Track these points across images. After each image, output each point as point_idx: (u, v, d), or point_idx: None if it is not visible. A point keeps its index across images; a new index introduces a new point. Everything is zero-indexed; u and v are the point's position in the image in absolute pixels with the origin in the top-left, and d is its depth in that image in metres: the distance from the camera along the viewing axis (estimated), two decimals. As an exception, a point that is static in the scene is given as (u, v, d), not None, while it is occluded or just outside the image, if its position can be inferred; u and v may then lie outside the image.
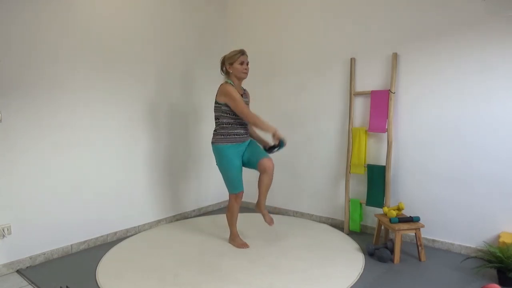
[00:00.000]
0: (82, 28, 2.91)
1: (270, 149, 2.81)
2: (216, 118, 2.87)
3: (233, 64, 2.81)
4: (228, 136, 2.82)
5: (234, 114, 2.79)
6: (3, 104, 2.51)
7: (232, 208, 2.93)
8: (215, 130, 2.90)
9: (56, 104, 2.78)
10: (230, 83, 2.81)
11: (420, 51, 2.89)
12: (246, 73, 2.85)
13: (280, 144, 2.69)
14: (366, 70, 3.20)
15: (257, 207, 2.95)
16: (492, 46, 2.58)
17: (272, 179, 2.85)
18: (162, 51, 3.53)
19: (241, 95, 2.84)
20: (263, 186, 2.84)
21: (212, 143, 2.89)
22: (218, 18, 4.11)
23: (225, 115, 2.81)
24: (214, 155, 2.90)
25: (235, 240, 2.97)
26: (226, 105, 2.78)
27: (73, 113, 2.88)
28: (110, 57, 3.10)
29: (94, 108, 3.02)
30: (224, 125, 2.82)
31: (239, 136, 2.86)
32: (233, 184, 2.88)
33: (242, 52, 2.82)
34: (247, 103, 2.92)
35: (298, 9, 3.60)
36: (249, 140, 2.99)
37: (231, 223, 2.98)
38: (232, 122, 2.82)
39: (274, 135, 2.65)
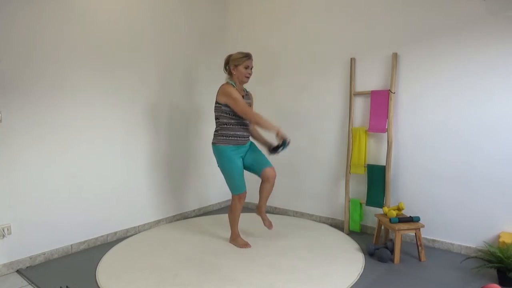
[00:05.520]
0: (82, 28, 2.90)
1: (274, 149, 2.75)
2: (216, 118, 2.86)
3: (237, 67, 2.80)
4: (230, 138, 2.80)
5: (235, 114, 2.78)
6: (3, 104, 2.51)
7: (234, 208, 2.93)
8: (216, 131, 2.87)
9: (56, 104, 2.78)
10: (232, 84, 2.81)
11: (420, 51, 2.89)
12: (249, 78, 2.86)
13: (284, 143, 2.63)
14: (366, 70, 3.20)
15: (258, 211, 3.04)
16: (492, 46, 2.58)
17: (273, 186, 2.92)
18: (163, 51, 3.52)
19: (242, 96, 2.83)
20: (264, 193, 2.92)
21: (213, 143, 2.87)
22: (218, 18, 4.11)
23: (225, 115, 2.80)
24: (215, 156, 2.88)
25: (237, 240, 2.96)
26: (226, 105, 2.76)
27: (73, 113, 2.88)
28: (110, 57, 3.10)
29: (94, 108, 3.01)
30: (225, 126, 2.81)
31: (241, 138, 2.84)
32: (236, 185, 2.87)
33: (249, 56, 2.82)
34: (249, 104, 2.92)
35: (298, 9, 3.60)
36: (250, 142, 2.98)
37: (233, 223, 2.98)
38: (233, 122, 2.80)
39: (277, 134, 2.62)
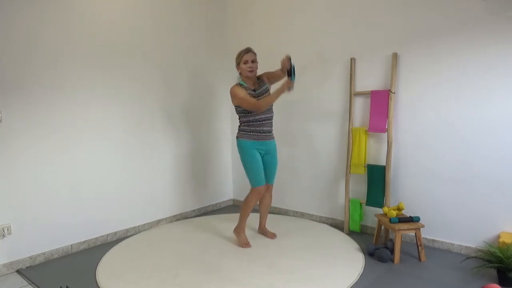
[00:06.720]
0: (83, 28, 2.90)
1: (289, 74, 2.79)
2: (239, 118, 2.97)
3: (239, 64, 2.89)
4: (251, 133, 2.90)
5: (251, 111, 2.85)
6: (3, 104, 2.51)
7: (250, 201, 2.96)
8: (239, 126, 2.98)
9: (56, 104, 2.78)
10: (241, 83, 2.88)
11: (420, 51, 2.89)
12: (251, 71, 2.88)
13: (291, 66, 2.74)
14: (366, 70, 3.20)
15: (260, 230, 3.23)
16: (492, 46, 2.58)
17: (271, 200, 3.19)
18: (163, 50, 3.52)
19: (254, 90, 2.88)
20: (264, 206, 3.15)
21: (236, 137, 2.97)
22: (219, 18, 4.10)
23: (242, 114, 2.90)
24: (238, 149, 2.97)
25: (240, 235, 2.99)
26: (239, 106, 2.87)
27: (73, 113, 2.88)
28: (110, 57, 3.10)
29: (94, 108, 3.02)
30: (246, 123, 2.91)
31: (261, 134, 2.91)
32: (257, 178, 2.92)
33: (246, 51, 2.87)
34: (262, 93, 2.91)
35: (299, 9, 3.60)
36: (273, 141, 3.01)
37: (243, 215, 3.00)
38: (252, 119, 2.88)
39: (283, 65, 2.79)
